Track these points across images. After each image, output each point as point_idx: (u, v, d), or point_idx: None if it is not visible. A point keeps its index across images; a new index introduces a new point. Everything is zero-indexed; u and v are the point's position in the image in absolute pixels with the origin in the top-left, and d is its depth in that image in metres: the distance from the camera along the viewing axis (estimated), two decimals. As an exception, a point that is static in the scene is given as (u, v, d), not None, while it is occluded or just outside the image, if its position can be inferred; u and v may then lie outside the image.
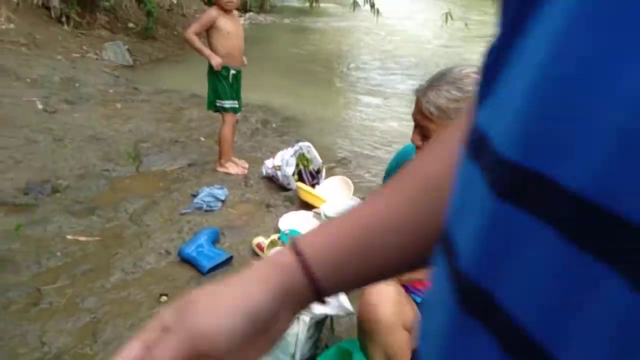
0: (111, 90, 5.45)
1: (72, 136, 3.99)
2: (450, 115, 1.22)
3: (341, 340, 1.77)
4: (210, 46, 3.23)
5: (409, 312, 1.36)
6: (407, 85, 6.36)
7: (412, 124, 1.34)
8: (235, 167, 3.48)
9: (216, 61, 3.16)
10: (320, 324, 1.76)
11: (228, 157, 3.48)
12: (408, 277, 1.38)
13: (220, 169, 3.46)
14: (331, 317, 1.84)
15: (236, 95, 3.38)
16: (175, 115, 4.91)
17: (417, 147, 1.35)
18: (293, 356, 1.60)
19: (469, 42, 9.56)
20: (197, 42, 3.18)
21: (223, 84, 3.28)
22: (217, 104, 3.34)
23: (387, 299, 1.28)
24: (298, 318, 1.57)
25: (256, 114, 5.04)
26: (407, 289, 1.44)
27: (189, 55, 5.61)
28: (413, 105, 1.33)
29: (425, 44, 9.85)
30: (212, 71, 3.25)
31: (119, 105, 5.03)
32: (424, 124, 1.29)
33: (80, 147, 3.81)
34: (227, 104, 3.33)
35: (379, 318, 1.27)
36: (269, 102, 5.44)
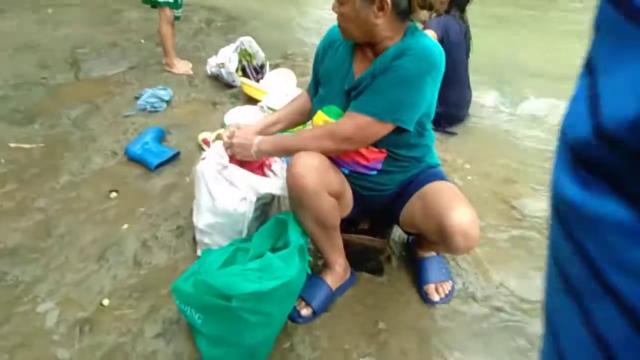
0: (40, -5, 5.07)
1: (3, 45, 3.78)
2: None
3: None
4: None
5: (334, 180, 1.47)
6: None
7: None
8: (181, 68, 3.43)
9: None
10: (267, 205, 1.88)
11: (171, 56, 3.41)
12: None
13: (168, 69, 3.42)
14: (278, 198, 1.96)
15: None
16: (113, 17, 4.67)
17: (337, 14, 1.39)
18: (241, 232, 1.73)
19: None
20: None
21: None
22: None
23: (311, 169, 1.38)
24: (246, 199, 1.68)
25: (199, 13, 4.83)
26: (335, 161, 1.55)
27: (120, -49, 5.20)
28: None
29: None
30: None
31: (50, 10, 4.72)
32: None
33: (13, 56, 3.63)
34: None
35: (305, 187, 1.38)
36: (211, 0, 5.19)
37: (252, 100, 2.94)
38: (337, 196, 1.49)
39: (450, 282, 1.70)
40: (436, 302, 1.65)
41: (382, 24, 1.32)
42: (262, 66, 3.23)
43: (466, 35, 2.71)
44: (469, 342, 1.52)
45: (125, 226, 1.97)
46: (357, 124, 1.37)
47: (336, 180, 1.49)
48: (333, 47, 1.54)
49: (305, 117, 1.72)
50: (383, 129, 1.38)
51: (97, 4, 4.99)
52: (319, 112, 1.53)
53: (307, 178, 1.38)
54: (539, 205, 2.16)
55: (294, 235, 1.54)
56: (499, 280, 1.76)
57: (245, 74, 3.15)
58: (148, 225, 1.98)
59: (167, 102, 2.98)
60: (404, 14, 1.33)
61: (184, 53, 3.71)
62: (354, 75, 1.45)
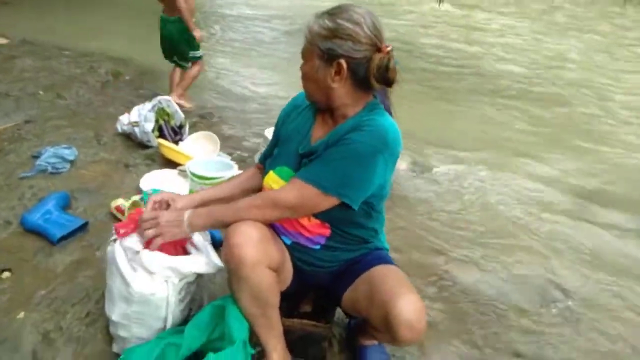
0: None
1: None
2: (315, 41, 1.29)
3: (215, 299, 1.73)
4: (176, 3, 3.70)
5: (275, 251, 1.36)
6: (272, 43, 6.25)
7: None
8: (189, 103, 4.00)
9: (199, 34, 3.96)
10: (191, 284, 1.69)
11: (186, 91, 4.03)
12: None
13: (179, 101, 3.82)
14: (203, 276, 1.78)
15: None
16: (4, 64, 4.23)
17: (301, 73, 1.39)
18: (165, 320, 1.52)
19: None
20: (187, 14, 3.79)
21: (192, 38, 3.93)
22: (191, 55, 4.01)
23: (251, 240, 1.26)
24: (167, 281, 1.48)
25: (105, 65, 4.56)
26: (277, 230, 1.44)
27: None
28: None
29: None
30: (183, 30, 3.86)
31: None
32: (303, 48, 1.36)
33: None
34: (199, 53, 4.07)
35: (243, 258, 1.25)
36: (118, 51, 4.94)
37: (170, 163, 2.75)
38: (277, 269, 1.38)
39: (394, 370, 1.62)
40: (380, 396, 1.55)
41: (339, 89, 1.31)
42: (181, 127, 3.07)
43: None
44: None
45: (21, 315, 1.66)
46: (301, 193, 1.31)
47: (277, 252, 1.38)
48: (297, 111, 1.52)
49: (247, 193, 1.60)
50: (326, 202, 1.32)
51: (-15, 48, 4.52)
52: (271, 172, 1.46)
53: (246, 249, 1.26)
54: (468, 276, 2.21)
55: (235, 326, 1.38)
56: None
57: (162, 134, 2.96)
58: (50, 312, 1.69)
59: (72, 162, 2.68)
60: (363, 85, 1.31)
61: (91, 108, 3.43)
62: (310, 140, 1.42)
